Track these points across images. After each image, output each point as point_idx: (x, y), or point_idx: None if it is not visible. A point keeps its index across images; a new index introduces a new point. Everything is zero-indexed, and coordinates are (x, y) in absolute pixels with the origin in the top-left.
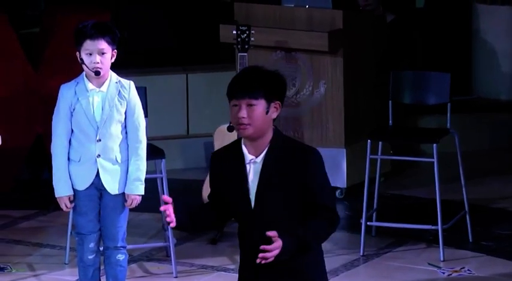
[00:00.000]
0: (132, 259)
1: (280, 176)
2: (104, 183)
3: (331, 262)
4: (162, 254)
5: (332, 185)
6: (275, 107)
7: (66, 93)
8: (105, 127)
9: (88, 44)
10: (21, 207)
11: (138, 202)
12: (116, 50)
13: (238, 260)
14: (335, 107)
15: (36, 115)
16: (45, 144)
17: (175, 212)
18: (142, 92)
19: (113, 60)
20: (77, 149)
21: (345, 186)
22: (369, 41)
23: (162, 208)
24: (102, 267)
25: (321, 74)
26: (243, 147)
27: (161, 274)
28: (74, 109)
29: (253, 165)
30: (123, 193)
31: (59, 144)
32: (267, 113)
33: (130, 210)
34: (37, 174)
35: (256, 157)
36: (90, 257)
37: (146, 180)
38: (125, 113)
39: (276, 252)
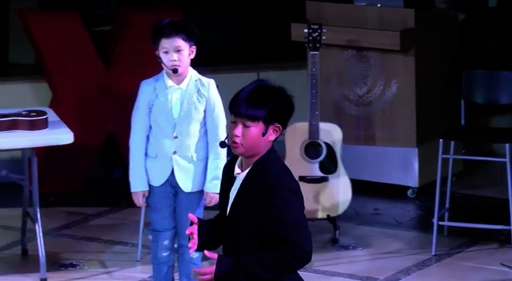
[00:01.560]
0: (204, 257)
1: (251, 198)
2: (178, 180)
3: (402, 261)
4: None
5: (403, 184)
6: (274, 130)
7: (145, 89)
8: (182, 124)
9: (164, 43)
10: (93, 204)
11: (217, 200)
12: (194, 47)
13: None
14: (406, 107)
15: (107, 113)
16: (117, 142)
17: (200, 233)
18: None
19: (192, 56)
20: (154, 145)
21: (417, 185)
22: (440, 40)
23: (187, 231)
24: (175, 264)
25: (393, 73)
26: (239, 159)
27: None
28: (152, 105)
29: (238, 180)
30: (198, 191)
31: (137, 139)
32: (263, 135)
33: (209, 208)
34: (109, 172)
35: (241, 173)
36: (164, 254)
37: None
38: (204, 111)
39: (208, 277)
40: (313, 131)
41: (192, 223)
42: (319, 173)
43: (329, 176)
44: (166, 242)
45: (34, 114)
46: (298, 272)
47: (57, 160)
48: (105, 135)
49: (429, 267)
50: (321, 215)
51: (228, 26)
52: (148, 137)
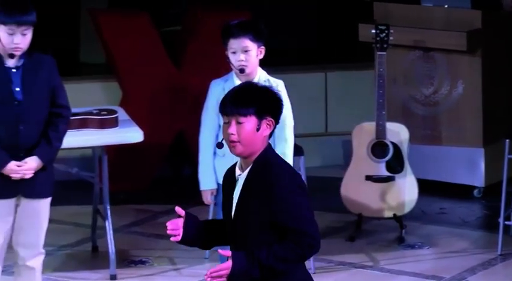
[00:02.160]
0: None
1: (255, 195)
2: None
3: (468, 260)
4: None
5: (470, 184)
6: (267, 124)
7: (215, 89)
8: None
9: (232, 43)
10: (162, 202)
11: None
12: (263, 47)
13: (377, 257)
14: (473, 107)
15: (177, 112)
16: (187, 140)
17: (185, 226)
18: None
19: (260, 57)
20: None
21: (483, 185)
22: (507, 41)
23: (168, 223)
24: None
25: (459, 74)
26: (238, 162)
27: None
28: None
29: (240, 180)
30: None
31: (206, 138)
32: (257, 130)
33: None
34: (178, 170)
35: (242, 173)
36: None
37: None
38: None
39: (224, 272)
40: (380, 131)
41: (179, 216)
42: (386, 173)
43: (395, 175)
44: None
45: (105, 113)
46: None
47: (127, 158)
48: (174, 134)
49: (494, 266)
50: (387, 214)
51: (297, 26)
52: (217, 136)
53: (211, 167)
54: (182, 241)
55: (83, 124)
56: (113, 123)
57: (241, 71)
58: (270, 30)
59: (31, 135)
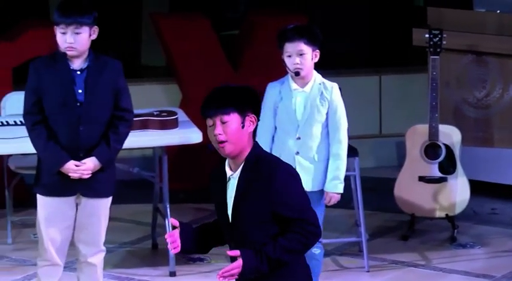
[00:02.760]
0: (325, 253)
1: (252, 192)
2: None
3: None
4: (354, 249)
5: None
6: (251, 121)
7: (271, 91)
8: (305, 126)
9: (287, 47)
10: None
11: (337, 200)
12: (318, 51)
13: (429, 256)
14: None
15: None
16: None
17: (182, 236)
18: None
19: (315, 60)
20: (278, 145)
21: None
22: None
23: (166, 236)
24: None
25: (511, 77)
26: (226, 163)
27: (353, 268)
28: (277, 107)
29: (232, 181)
30: (319, 191)
31: (262, 140)
32: (242, 127)
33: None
34: None
35: (234, 173)
36: None
37: None
38: (327, 113)
39: (236, 271)
40: (433, 133)
41: (174, 227)
42: (438, 174)
43: (448, 176)
44: None
45: (165, 114)
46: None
47: (187, 158)
48: None
49: None
50: (439, 214)
51: (352, 30)
52: (273, 138)
53: None
54: (182, 251)
55: (144, 125)
56: (173, 124)
57: (297, 74)
58: (326, 34)
59: (91, 137)
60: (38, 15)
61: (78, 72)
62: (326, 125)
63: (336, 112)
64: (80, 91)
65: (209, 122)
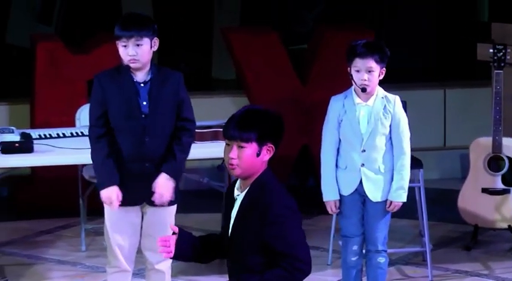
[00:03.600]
0: (390, 263)
1: (249, 217)
2: (366, 191)
3: None
4: (418, 259)
5: None
6: (268, 150)
7: (335, 105)
8: (369, 139)
9: (357, 62)
10: None
11: (398, 207)
12: (384, 69)
13: (492, 266)
14: None
15: (303, 126)
16: (311, 154)
17: (179, 242)
18: (402, 106)
19: (381, 77)
20: (343, 157)
21: None
22: None
23: (158, 240)
24: (363, 269)
25: None
26: (237, 182)
27: (417, 277)
28: (341, 120)
29: (238, 200)
30: (384, 202)
31: (327, 152)
32: (258, 155)
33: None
34: (303, 181)
35: (240, 193)
36: (353, 259)
37: None
38: (390, 126)
39: None
40: (496, 146)
41: (173, 233)
42: (501, 186)
43: (511, 188)
44: (355, 248)
45: None
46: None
47: None
48: (300, 146)
49: None
50: (502, 225)
51: (418, 45)
52: (338, 150)
53: (334, 180)
54: (175, 257)
55: (215, 136)
56: None
57: (363, 90)
58: (392, 49)
59: (156, 147)
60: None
61: (142, 85)
62: (389, 137)
63: (399, 124)
64: (144, 103)
65: (227, 141)
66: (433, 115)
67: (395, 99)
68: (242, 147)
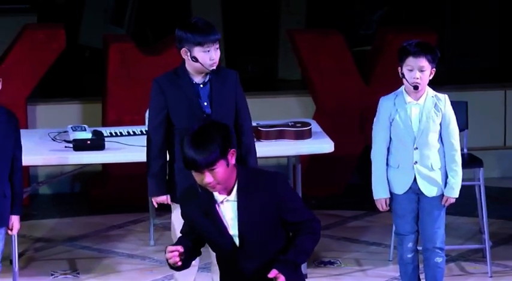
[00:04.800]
0: (450, 259)
1: (257, 207)
2: (421, 187)
3: None
4: (478, 255)
5: None
6: (232, 155)
7: (385, 104)
8: (422, 137)
9: (410, 61)
10: (351, 208)
11: (452, 202)
12: (434, 68)
13: None
14: None
15: (366, 125)
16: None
17: (185, 253)
18: (463, 105)
19: (431, 77)
20: (395, 156)
21: None
22: None
23: (170, 249)
24: (421, 265)
25: None
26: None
27: (477, 273)
28: (392, 120)
29: (227, 203)
30: (439, 196)
31: (378, 151)
32: (228, 165)
33: (450, 213)
34: (366, 179)
35: (228, 195)
36: (409, 255)
37: (465, 186)
38: (440, 124)
39: None
40: None
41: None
42: None
43: None
44: (410, 245)
45: (299, 125)
46: None
47: (320, 166)
48: (363, 145)
49: None
50: None
51: (480, 47)
52: (388, 149)
53: (384, 178)
54: (183, 267)
55: (280, 135)
56: (307, 134)
57: (415, 87)
58: (455, 51)
59: None
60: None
61: (201, 86)
62: (440, 134)
63: (450, 122)
64: (205, 103)
65: (195, 173)
66: (494, 115)
67: (445, 98)
68: (213, 169)
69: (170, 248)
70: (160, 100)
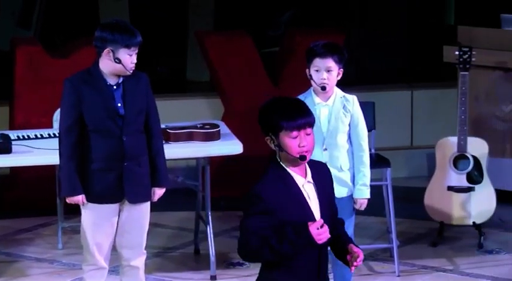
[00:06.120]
0: None
1: (326, 188)
2: None
3: None
4: (386, 255)
5: None
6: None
7: None
8: (331, 138)
9: (317, 62)
10: None
11: (365, 204)
12: (342, 69)
13: (457, 262)
14: None
15: None
16: None
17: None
18: (370, 106)
19: (339, 78)
20: None
21: None
22: None
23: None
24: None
25: None
26: (289, 171)
27: (385, 272)
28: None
29: (307, 185)
30: (348, 198)
31: None
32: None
33: (358, 213)
34: None
35: (305, 179)
36: None
37: (373, 186)
38: (349, 124)
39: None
40: (462, 145)
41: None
42: (467, 184)
43: (475, 186)
44: None
45: (208, 127)
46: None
47: (229, 168)
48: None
49: None
50: (467, 221)
51: (387, 48)
52: None
53: None
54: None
55: (189, 137)
56: (216, 136)
57: (323, 88)
58: (362, 52)
59: (133, 146)
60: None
61: (115, 87)
62: (349, 136)
63: (358, 123)
64: (119, 104)
65: (294, 134)
66: (401, 116)
67: (354, 99)
68: (309, 134)
69: (315, 225)
70: (74, 100)
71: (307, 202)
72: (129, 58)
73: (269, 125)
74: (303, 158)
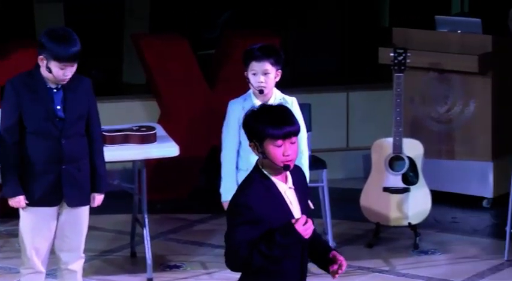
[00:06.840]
0: None
1: (304, 192)
2: None
3: (477, 265)
4: None
5: (479, 195)
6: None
7: (234, 107)
8: None
9: (254, 65)
10: (197, 212)
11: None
12: (280, 71)
13: (393, 263)
14: (483, 124)
15: (212, 129)
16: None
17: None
18: (307, 108)
19: (277, 79)
20: (244, 159)
21: (492, 196)
22: None
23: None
24: None
25: (471, 94)
26: (272, 178)
27: (321, 274)
28: (241, 123)
29: (289, 191)
30: None
31: (227, 154)
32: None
33: None
34: (212, 182)
35: (287, 184)
36: None
37: (309, 188)
38: None
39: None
40: (397, 146)
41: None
42: (402, 185)
43: (411, 187)
44: None
45: (144, 129)
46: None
47: (165, 170)
48: (209, 148)
49: (502, 271)
50: (403, 222)
51: (322, 50)
52: (238, 152)
53: (234, 181)
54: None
55: (125, 139)
56: (152, 139)
57: (261, 91)
58: (297, 54)
59: (72, 149)
60: (25, 35)
61: (55, 90)
62: None
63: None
64: (58, 107)
65: (279, 142)
66: (337, 117)
67: (293, 101)
68: (293, 142)
69: (300, 222)
70: (14, 102)
71: (289, 208)
72: (60, 71)
73: (254, 131)
74: (286, 167)
